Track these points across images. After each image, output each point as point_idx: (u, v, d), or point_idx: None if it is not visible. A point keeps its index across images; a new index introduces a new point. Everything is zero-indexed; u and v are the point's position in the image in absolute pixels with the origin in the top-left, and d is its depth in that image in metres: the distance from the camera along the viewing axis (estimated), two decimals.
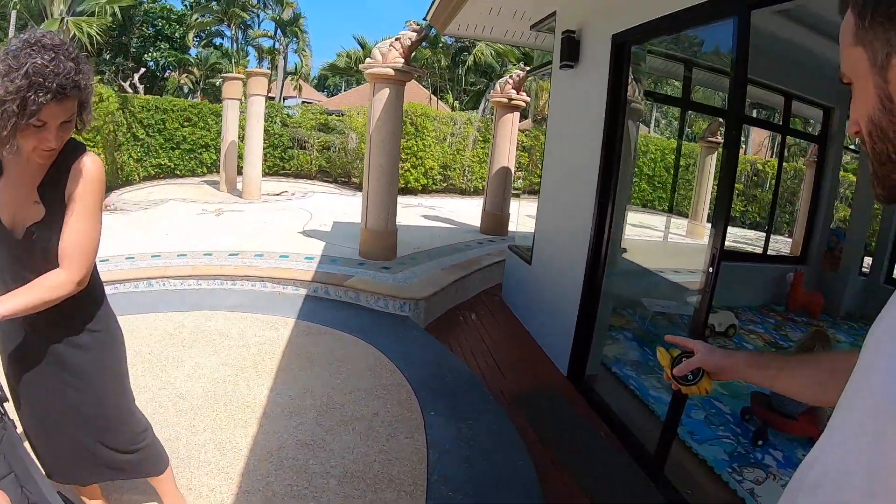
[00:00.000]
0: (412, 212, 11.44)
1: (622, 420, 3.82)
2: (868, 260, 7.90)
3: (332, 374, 4.10)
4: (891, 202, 0.72)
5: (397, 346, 4.66)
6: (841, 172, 8.07)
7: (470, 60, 26.30)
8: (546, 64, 5.90)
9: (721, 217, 2.95)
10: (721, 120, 9.72)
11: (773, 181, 11.68)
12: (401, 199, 7.31)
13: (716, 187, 9.87)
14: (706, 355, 1.18)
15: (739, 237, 10.93)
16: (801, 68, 6.71)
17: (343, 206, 11.37)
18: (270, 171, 15.60)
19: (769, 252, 8.10)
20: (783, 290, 7.34)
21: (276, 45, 30.72)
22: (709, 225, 9.39)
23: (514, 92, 9.12)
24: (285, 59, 31.30)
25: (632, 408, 4.15)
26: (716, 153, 10.04)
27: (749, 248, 9.40)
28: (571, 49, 4.46)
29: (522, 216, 7.47)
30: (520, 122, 10.05)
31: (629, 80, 3.96)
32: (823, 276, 7.71)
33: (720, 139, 9.68)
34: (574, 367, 4.34)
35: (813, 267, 7.68)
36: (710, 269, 2.95)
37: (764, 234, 8.36)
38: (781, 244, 10.08)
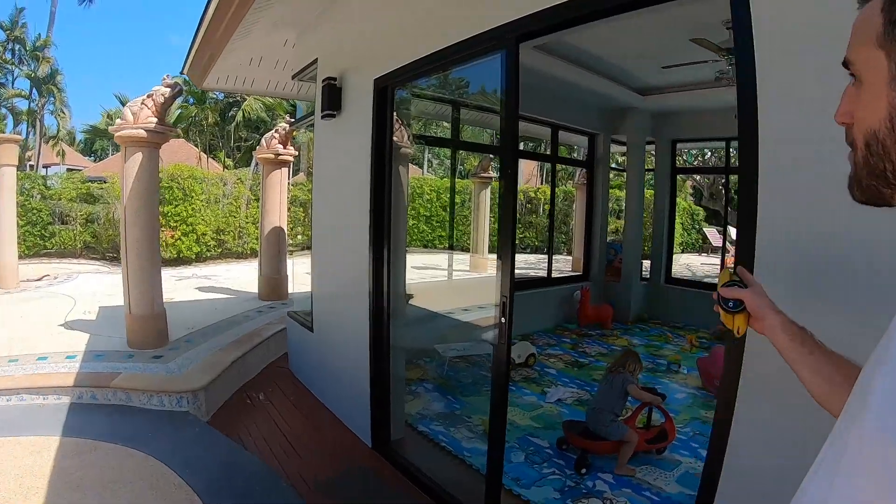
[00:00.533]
0: (185, 284, 10.27)
1: (441, 484, 3.33)
2: (647, 264, 8.62)
3: None
4: (865, 204, 0.73)
5: (180, 452, 3.86)
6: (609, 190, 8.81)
7: (239, 116, 25.00)
8: (309, 115, 5.49)
9: (507, 249, 2.72)
10: (491, 156, 10.14)
11: (548, 206, 12.48)
12: (173, 271, 6.26)
13: (493, 219, 10.28)
14: (754, 294, 1.13)
15: (522, 262, 11.41)
16: (565, 100, 7.12)
17: (110, 287, 9.72)
18: (30, 252, 13.33)
19: (553, 274, 8.40)
20: (573, 308, 7.59)
21: (33, 106, 26.45)
22: (492, 256, 9.57)
23: (281, 147, 8.55)
24: (41, 121, 26.98)
25: (449, 466, 3.72)
26: (489, 187, 10.33)
27: (533, 273, 9.77)
28: (332, 97, 4.13)
29: (300, 274, 6.86)
30: (294, 175, 9.47)
31: (395, 124, 3.71)
32: (608, 287, 8.19)
33: (492, 174, 10.11)
34: (378, 435, 3.75)
35: (596, 281, 8.12)
36: (505, 300, 2.60)
37: (545, 256, 8.71)
38: (563, 263, 10.73)
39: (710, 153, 13.28)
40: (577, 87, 6.55)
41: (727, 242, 16.09)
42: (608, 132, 8.08)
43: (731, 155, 8.74)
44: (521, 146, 9.90)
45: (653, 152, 8.47)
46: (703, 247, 16.11)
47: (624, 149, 8.44)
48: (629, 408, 4.02)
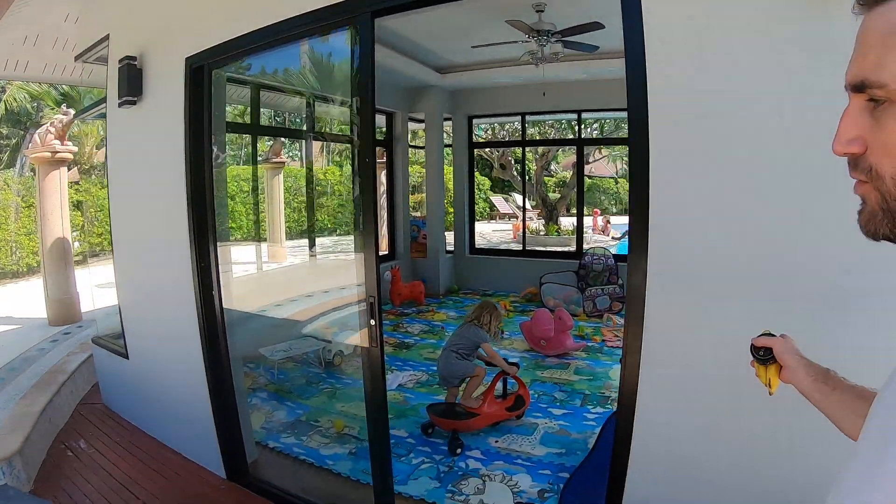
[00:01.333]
0: None
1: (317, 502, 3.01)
2: (450, 237, 8.88)
3: None
4: (887, 240, 0.61)
5: None
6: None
7: (1, 108, 19.85)
8: (100, 103, 4.45)
9: (370, 243, 2.47)
10: (283, 140, 9.54)
11: (338, 187, 12.15)
12: None
13: (289, 207, 9.76)
14: (782, 341, 1.14)
15: (318, 246, 11.02)
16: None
17: None
18: None
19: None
20: (385, 288, 7.54)
21: None
22: (290, 243, 9.08)
23: (59, 142, 6.99)
24: None
25: (317, 480, 3.39)
26: (281, 172, 9.74)
27: (333, 257, 9.52)
28: (133, 80, 3.35)
29: (93, 288, 5.74)
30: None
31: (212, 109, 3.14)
32: (416, 264, 8.29)
33: (284, 158, 9.55)
34: (231, 463, 3.25)
35: (404, 259, 8.17)
36: (372, 300, 2.38)
37: (341, 238, 8.56)
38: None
39: (495, 127, 14.18)
40: (378, 66, 6.40)
41: (514, 208, 17.61)
42: (406, 110, 8.09)
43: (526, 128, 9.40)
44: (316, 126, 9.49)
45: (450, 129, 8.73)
46: (492, 214, 17.34)
47: (422, 126, 8.56)
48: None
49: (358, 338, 5.49)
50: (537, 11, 4.51)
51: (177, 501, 3.08)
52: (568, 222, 13.77)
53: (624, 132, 13.09)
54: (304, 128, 7.53)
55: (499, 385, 4.03)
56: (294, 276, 7.67)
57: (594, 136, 13.26)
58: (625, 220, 16.11)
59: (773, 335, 1.16)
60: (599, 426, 3.94)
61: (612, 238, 14.11)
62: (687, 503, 1.99)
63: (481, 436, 3.78)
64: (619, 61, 5.71)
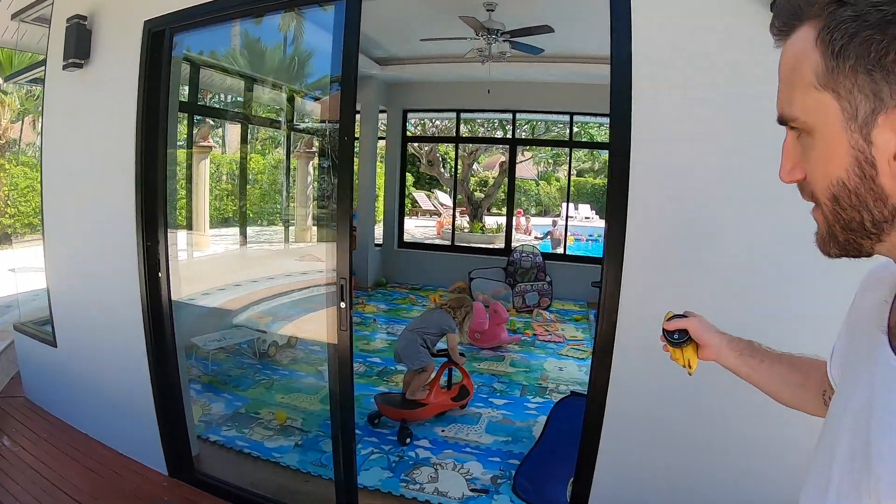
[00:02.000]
0: None
1: (272, 498, 2.93)
2: (378, 231, 8.82)
3: None
4: (841, 257, 0.64)
5: None
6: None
7: None
8: (36, 66, 3.99)
9: (343, 228, 2.43)
10: (211, 122, 9.09)
11: (261, 176, 11.70)
12: None
13: (215, 192, 9.30)
14: (696, 321, 1.12)
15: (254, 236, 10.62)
16: (301, 67, 6.69)
17: None
18: None
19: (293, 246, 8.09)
20: None
21: None
22: (214, 232, 8.69)
23: None
24: None
25: (266, 475, 3.27)
26: (208, 157, 9.30)
27: (273, 248, 9.21)
28: (81, 41, 3.04)
29: (6, 272, 5.23)
30: None
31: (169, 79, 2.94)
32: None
33: (211, 143, 9.09)
34: (174, 458, 3.08)
35: None
36: (343, 282, 2.36)
37: (263, 228, 8.33)
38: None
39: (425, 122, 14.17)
40: (313, 54, 6.28)
41: (437, 205, 17.61)
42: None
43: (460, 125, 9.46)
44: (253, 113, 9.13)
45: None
46: (414, 210, 17.31)
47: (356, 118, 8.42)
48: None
49: (293, 327, 5.40)
50: (488, 10, 4.60)
51: (117, 500, 2.89)
52: (492, 221, 14.03)
53: (553, 134, 13.54)
54: (249, 112, 7.21)
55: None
56: (222, 265, 7.35)
57: (524, 136, 13.55)
58: (545, 220, 16.49)
59: (683, 316, 1.15)
60: (541, 415, 4.08)
61: (535, 238, 14.51)
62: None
63: (427, 425, 3.80)
64: (560, 65, 5.90)
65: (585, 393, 3.97)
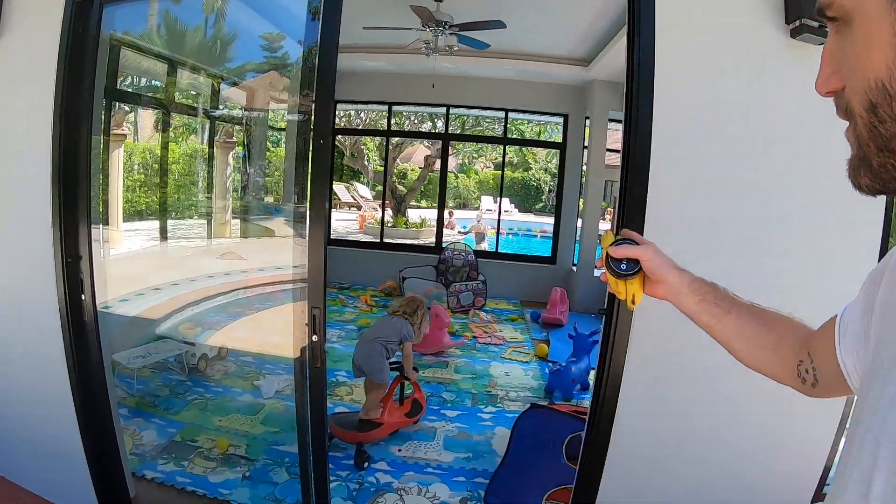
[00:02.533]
0: None
1: None
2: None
3: None
4: (875, 194, 0.54)
5: None
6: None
7: None
8: None
9: (317, 245, 2.13)
10: (127, 108, 8.28)
11: (176, 167, 10.88)
12: None
13: (129, 184, 8.50)
14: (651, 250, 0.95)
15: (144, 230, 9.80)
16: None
17: None
18: None
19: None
20: None
21: None
22: (127, 226, 7.94)
23: None
24: None
25: None
26: (122, 145, 8.47)
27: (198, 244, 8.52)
28: None
29: None
30: None
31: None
32: None
33: (126, 131, 8.28)
34: (107, 499, 2.67)
35: None
36: (316, 312, 2.08)
37: (175, 221, 7.69)
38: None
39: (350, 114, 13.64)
40: (238, 36, 5.79)
41: (357, 198, 17.09)
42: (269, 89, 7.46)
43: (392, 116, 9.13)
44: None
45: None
46: (333, 203, 16.75)
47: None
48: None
49: (222, 336, 4.94)
50: (436, 1, 4.37)
51: None
52: (415, 215, 13.81)
53: (481, 129, 13.41)
54: (171, 98, 6.55)
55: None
56: (140, 265, 6.65)
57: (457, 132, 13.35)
58: (467, 214, 16.49)
59: (636, 243, 0.97)
60: (497, 426, 3.95)
61: (459, 232, 14.44)
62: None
63: (382, 445, 3.57)
64: (499, 60, 5.76)
65: (544, 404, 3.90)
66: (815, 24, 1.71)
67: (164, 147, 7.75)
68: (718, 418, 1.98)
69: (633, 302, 0.98)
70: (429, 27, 4.52)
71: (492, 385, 4.75)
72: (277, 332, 5.78)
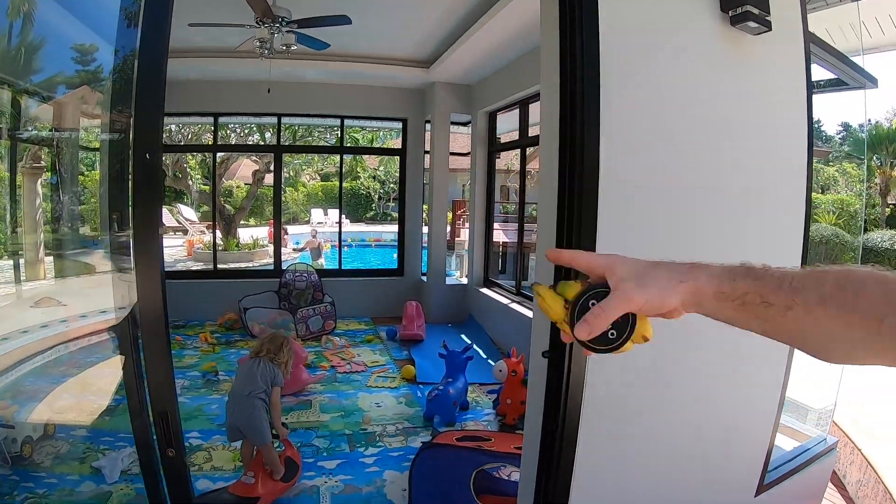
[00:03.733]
0: None
1: None
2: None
3: None
4: None
5: None
6: None
7: None
8: None
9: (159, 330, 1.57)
10: None
11: None
12: None
13: None
14: (633, 287, 0.65)
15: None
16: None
17: None
18: None
19: None
20: None
21: None
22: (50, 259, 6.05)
23: None
24: None
25: None
26: None
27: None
28: None
29: None
30: None
31: None
32: None
33: None
34: None
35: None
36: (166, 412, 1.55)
37: None
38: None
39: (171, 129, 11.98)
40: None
41: (182, 221, 15.24)
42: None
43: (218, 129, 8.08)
44: None
45: None
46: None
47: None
48: None
49: (46, 408, 3.85)
50: None
51: None
52: (246, 235, 12.69)
53: (313, 138, 12.62)
54: None
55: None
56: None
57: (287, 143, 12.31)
58: (299, 229, 15.62)
59: (592, 288, 0.69)
60: (385, 470, 3.52)
61: (293, 249, 13.55)
62: None
63: None
64: (337, 63, 5.31)
65: (435, 442, 3.54)
66: (756, 10, 1.56)
67: None
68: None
69: (645, 340, 0.69)
70: (265, 23, 3.91)
71: (366, 421, 4.29)
72: (110, 394, 4.73)
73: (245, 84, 6.68)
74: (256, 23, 3.92)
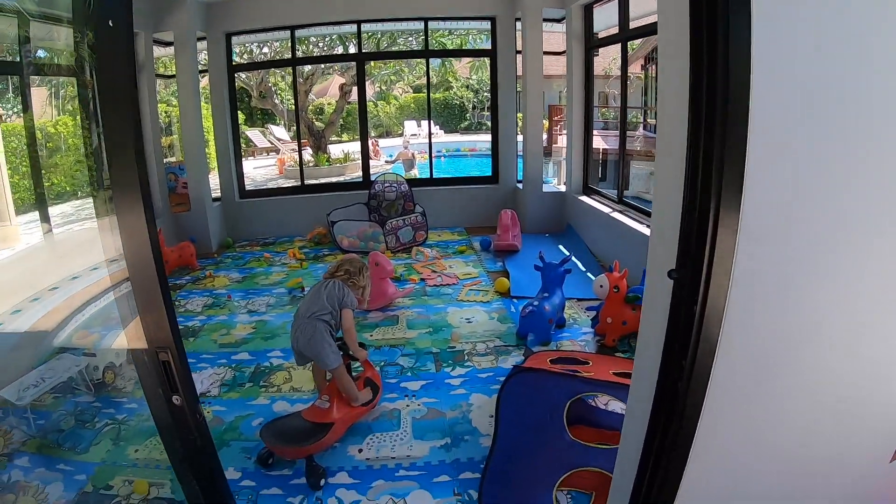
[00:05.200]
0: None
1: None
2: (214, 182, 7.23)
3: None
4: None
5: None
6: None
7: None
8: None
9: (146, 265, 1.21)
10: None
11: (73, 140, 9.28)
12: None
13: (14, 170, 6.98)
14: None
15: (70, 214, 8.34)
16: None
17: None
18: None
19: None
20: None
21: None
22: (23, 220, 6.54)
23: None
24: None
25: None
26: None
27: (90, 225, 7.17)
28: None
29: None
30: None
31: None
32: (180, 220, 6.60)
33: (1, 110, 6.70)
34: None
35: (164, 217, 6.43)
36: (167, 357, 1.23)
37: (82, 202, 6.42)
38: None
39: (252, 49, 11.91)
40: None
41: (273, 140, 15.57)
42: (149, 30, 6.08)
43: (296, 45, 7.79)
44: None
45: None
46: (248, 150, 15.20)
47: (170, 50, 6.60)
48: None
49: (125, 337, 3.95)
50: None
51: None
52: (337, 150, 12.63)
53: (398, 46, 12.08)
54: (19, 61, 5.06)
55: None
56: (31, 263, 5.35)
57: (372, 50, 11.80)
58: (392, 142, 15.49)
59: None
60: (472, 392, 3.27)
61: (385, 161, 13.41)
62: None
63: (339, 449, 2.81)
64: None
65: (528, 366, 3.21)
66: None
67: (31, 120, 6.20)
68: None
69: None
70: None
71: (455, 338, 4.03)
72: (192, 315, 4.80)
73: None
74: None
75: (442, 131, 19.16)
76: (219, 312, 4.76)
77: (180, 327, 4.08)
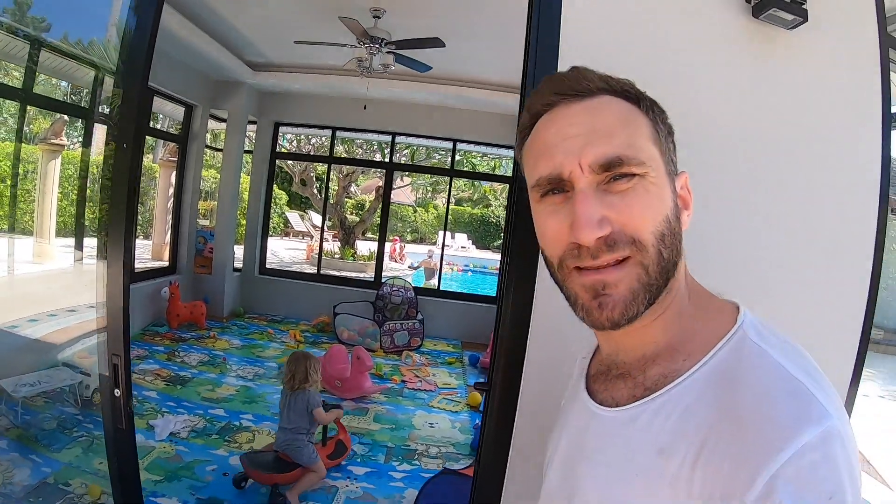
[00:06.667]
0: None
1: None
2: (240, 253, 7.83)
3: None
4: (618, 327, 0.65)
5: None
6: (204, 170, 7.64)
7: None
8: None
9: (116, 263, 1.68)
10: (66, 118, 7.69)
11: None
12: None
13: (64, 196, 7.84)
14: None
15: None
16: (164, 59, 5.65)
17: None
18: None
19: (136, 265, 6.92)
20: (162, 307, 6.32)
21: None
22: (60, 242, 7.22)
23: None
24: None
25: None
26: (60, 157, 7.88)
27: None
28: None
29: None
30: None
31: None
32: (199, 280, 7.15)
33: (65, 140, 7.69)
34: None
35: (186, 274, 7.00)
36: (117, 361, 1.66)
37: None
38: (141, 250, 9.00)
39: (301, 139, 13.16)
40: (183, 47, 5.33)
41: (309, 227, 16.55)
42: (208, 105, 7.02)
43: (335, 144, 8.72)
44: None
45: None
46: (286, 230, 16.19)
47: (221, 126, 7.51)
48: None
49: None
50: (374, 17, 4.06)
51: None
52: (364, 247, 13.34)
53: (435, 161, 13.12)
54: (90, 106, 5.96)
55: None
56: (57, 283, 5.97)
57: (403, 161, 12.92)
58: (420, 248, 16.16)
59: None
60: (408, 489, 3.50)
61: (409, 267, 14.03)
62: None
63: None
64: (444, 87, 5.44)
65: (456, 469, 3.46)
66: None
67: (86, 155, 7.07)
68: None
69: None
70: (364, 43, 4.18)
71: (412, 438, 4.31)
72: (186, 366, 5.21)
73: (360, 101, 7.08)
74: (357, 43, 4.21)
75: (474, 246, 19.89)
76: (211, 370, 5.16)
77: (173, 375, 4.52)
